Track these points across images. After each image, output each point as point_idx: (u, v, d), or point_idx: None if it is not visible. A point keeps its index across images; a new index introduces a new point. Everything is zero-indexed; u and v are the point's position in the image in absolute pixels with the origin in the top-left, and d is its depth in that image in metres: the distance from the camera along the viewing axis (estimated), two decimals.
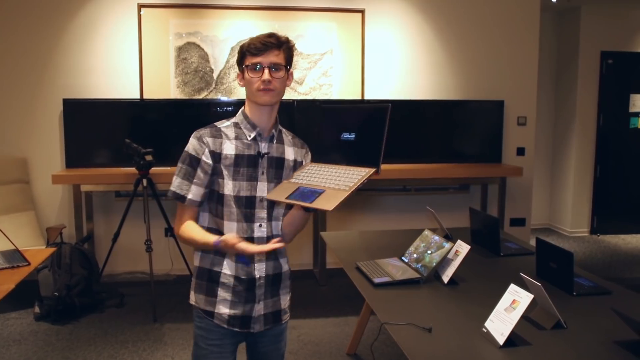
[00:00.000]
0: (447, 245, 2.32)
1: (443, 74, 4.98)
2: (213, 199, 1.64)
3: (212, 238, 1.56)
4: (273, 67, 1.58)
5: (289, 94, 4.68)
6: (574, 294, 2.15)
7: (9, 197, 4.30)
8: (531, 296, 1.72)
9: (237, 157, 1.62)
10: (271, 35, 1.59)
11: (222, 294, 1.66)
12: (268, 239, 1.66)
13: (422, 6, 4.89)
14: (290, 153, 1.72)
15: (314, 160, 1.75)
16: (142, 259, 4.53)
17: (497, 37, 5.04)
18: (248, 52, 1.58)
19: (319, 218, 4.48)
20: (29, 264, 2.45)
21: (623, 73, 6.10)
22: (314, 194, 1.55)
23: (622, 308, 1.80)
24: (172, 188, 1.64)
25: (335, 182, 1.57)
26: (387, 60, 4.88)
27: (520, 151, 5.18)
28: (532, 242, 4.15)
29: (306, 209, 1.63)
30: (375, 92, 4.86)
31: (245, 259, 1.65)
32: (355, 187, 1.51)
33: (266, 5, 4.63)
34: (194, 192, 1.62)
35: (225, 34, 4.60)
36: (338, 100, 4.77)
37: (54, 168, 4.47)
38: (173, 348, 3.30)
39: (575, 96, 6.07)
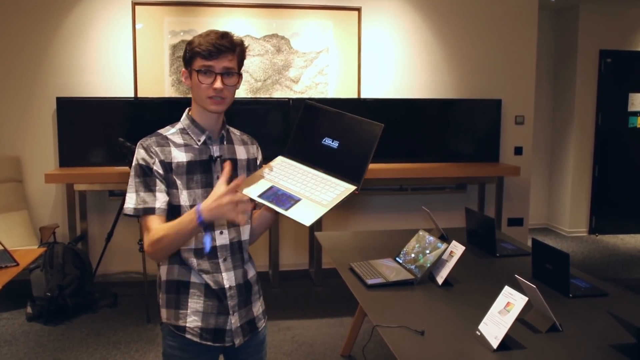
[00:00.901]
0: (442, 246, 2.29)
1: (440, 73, 4.95)
2: (168, 212, 1.50)
3: (192, 210, 1.39)
4: (226, 73, 1.47)
5: (285, 93, 4.64)
6: (570, 295, 2.12)
7: (2, 196, 4.26)
8: (525, 299, 1.69)
9: (190, 164, 1.51)
10: (224, 35, 1.47)
11: (193, 305, 1.55)
12: (232, 245, 1.58)
13: (419, 4, 4.86)
14: (241, 152, 1.63)
15: (288, 153, 1.67)
16: (135, 258, 4.49)
17: (494, 36, 5.00)
18: (199, 54, 1.45)
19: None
20: (18, 264, 2.41)
21: (622, 72, 6.07)
22: (290, 200, 1.50)
23: (619, 310, 1.77)
24: (135, 205, 1.46)
25: (312, 191, 1.52)
26: (383, 58, 4.84)
27: (518, 150, 5.15)
28: (530, 243, 4.11)
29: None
30: (372, 90, 4.83)
31: (208, 243, 1.52)
32: (333, 205, 1.47)
33: (261, 3, 4.59)
34: (161, 200, 1.48)
35: None
36: (330, 100, 4.73)
37: (47, 167, 4.43)
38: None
39: (574, 95, 6.03)
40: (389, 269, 2.35)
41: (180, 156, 1.52)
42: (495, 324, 1.70)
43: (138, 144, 1.52)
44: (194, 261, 1.54)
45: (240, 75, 1.54)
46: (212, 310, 1.56)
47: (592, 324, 1.86)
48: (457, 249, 2.28)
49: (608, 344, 1.70)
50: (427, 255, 2.32)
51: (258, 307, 1.69)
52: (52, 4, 4.38)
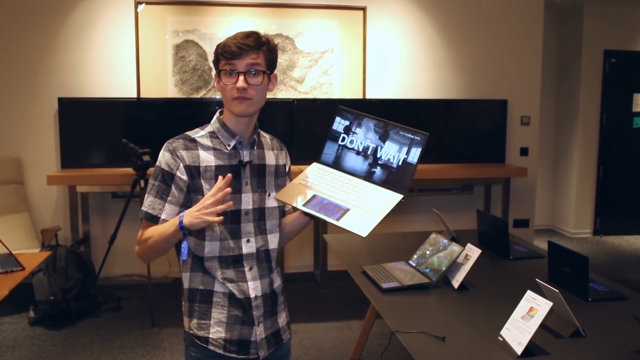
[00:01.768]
0: (457, 249, 2.24)
1: (445, 73, 4.91)
2: None
3: (175, 218, 1.37)
4: (250, 72, 1.41)
5: (289, 93, 4.60)
6: (589, 299, 2.07)
7: (3, 198, 4.20)
8: (550, 304, 1.65)
9: (219, 168, 1.46)
10: (250, 34, 1.42)
11: (217, 315, 1.49)
12: (259, 254, 1.52)
13: (425, 4, 4.82)
14: (271, 157, 1.57)
15: (323, 160, 1.63)
16: (138, 261, 4.40)
17: (500, 36, 4.97)
18: (222, 55, 1.41)
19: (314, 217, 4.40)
20: (24, 268, 2.36)
21: (626, 72, 6.04)
22: (338, 209, 1.46)
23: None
24: (144, 208, 1.45)
25: (359, 200, 1.48)
26: (388, 58, 4.80)
27: (524, 151, 5.11)
28: (536, 243, 4.05)
29: (313, 217, 1.54)
30: (377, 91, 4.79)
31: (185, 250, 1.47)
32: (385, 214, 1.43)
33: (266, 3, 4.54)
34: (168, 212, 1.43)
35: (224, 32, 4.51)
36: (334, 100, 4.69)
37: (48, 168, 4.37)
38: (172, 354, 3.21)
39: (578, 96, 6.00)
40: (403, 273, 2.30)
41: (208, 160, 1.46)
42: (519, 330, 1.65)
43: (165, 145, 1.47)
44: (217, 270, 1.48)
45: (269, 75, 1.48)
46: (237, 321, 1.50)
47: (615, 328, 1.82)
48: (473, 252, 2.23)
49: (633, 349, 1.65)
50: (442, 258, 2.28)
51: (283, 318, 1.63)
52: (54, 3, 4.33)
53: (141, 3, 4.39)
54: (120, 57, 4.43)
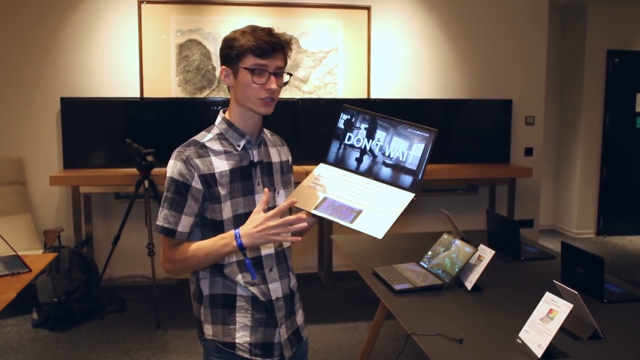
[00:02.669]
0: (470, 250, 2.22)
1: (450, 73, 4.89)
2: (206, 226, 1.43)
3: (228, 234, 1.35)
4: (277, 74, 1.39)
5: (294, 93, 4.57)
6: (605, 301, 2.05)
7: (5, 199, 4.16)
8: (570, 305, 1.62)
9: (232, 172, 1.42)
10: (271, 33, 1.39)
11: (241, 319, 1.46)
12: (277, 255, 1.50)
13: (429, 3, 4.80)
14: (275, 154, 1.55)
15: (329, 160, 1.60)
16: (141, 262, 4.40)
17: (505, 36, 4.95)
18: (252, 51, 1.36)
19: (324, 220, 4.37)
20: (30, 270, 2.32)
21: (629, 72, 6.03)
22: (350, 211, 1.44)
23: None
24: (158, 222, 1.41)
25: (370, 201, 1.46)
26: (393, 58, 4.78)
27: (528, 151, 5.09)
28: (542, 243, 4.01)
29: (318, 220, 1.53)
30: (381, 91, 4.76)
31: (251, 268, 1.45)
32: (399, 214, 1.41)
33: (270, 2, 4.52)
34: (184, 223, 1.40)
35: (228, 31, 4.41)
36: (339, 100, 4.66)
37: (51, 169, 4.34)
38: (178, 356, 3.18)
39: (581, 96, 5.99)
40: (415, 274, 2.28)
41: (221, 165, 1.42)
42: (538, 332, 1.63)
43: (175, 153, 1.42)
44: (238, 275, 1.46)
45: (288, 74, 1.46)
46: (260, 324, 1.48)
47: (633, 330, 1.80)
48: (486, 253, 2.21)
49: None
50: (455, 259, 2.25)
51: (300, 316, 1.62)
52: (56, 2, 4.29)
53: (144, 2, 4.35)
54: (123, 57, 4.39)
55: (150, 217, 3.77)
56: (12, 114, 4.32)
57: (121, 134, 4.19)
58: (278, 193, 1.52)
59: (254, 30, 1.39)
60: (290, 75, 1.47)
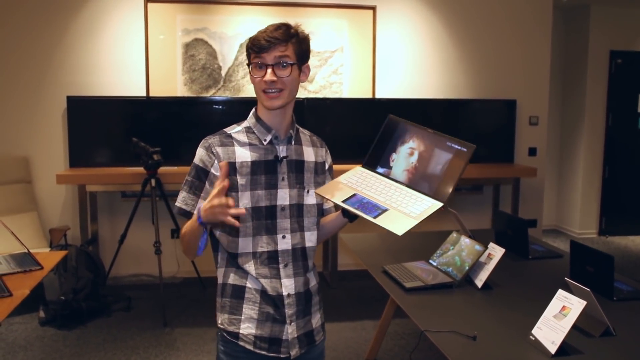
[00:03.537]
0: (480, 248, 2.24)
1: (455, 73, 4.90)
2: None
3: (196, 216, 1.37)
4: (278, 64, 1.41)
5: (299, 93, 4.56)
6: (614, 299, 2.07)
7: (11, 198, 4.17)
8: (584, 302, 1.64)
9: (254, 164, 1.46)
10: (279, 27, 1.42)
11: (248, 311, 1.48)
12: (295, 251, 1.51)
13: (434, 3, 4.81)
14: (310, 154, 1.56)
15: (367, 164, 1.65)
16: (147, 261, 4.42)
17: (509, 36, 4.97)
18: (251, 48, 1.42)
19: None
20: (42, 267, 2.33)
21: (632, 73, 6.05)
22: (376, 208, 1.47)
23: None
24: (177, 203, 1.49)
25: (399, 202, 1.49)
26: (398, 58, 4.80)
27: (532, 151, 5.11)
28: (545, 242, 4.01)
29: (350, 219, 1.56)
30: (387, 90, 4.78)
31: (202, 243, 1.41)
32: (423, 219, 1.44)
33: (276, 1, 4.53)
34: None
35: (234, 30, 4.49)
36: (344, 100, 4.67)
37: (57, 167, 4.34)
38: (186, 354, 3.19)
39: (584, 96, 6.01)
40: (425, 272, 2.29)
41: (244, 155, 1.46)
42: (551, 329, 1.64)
43: (202, 141, 1.49)
44: (251, 266, 1.48)
45: (299, 66, 1.47)
46: (268, 318, 1.49)
47: None
48: (496, 251, 2.23)
49: None
50: (465, 257, 2.27)
51: (317, 319, 1.61)
52: (63, 1, 4.30)
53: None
54: (130, 56, 4.40)
55: (157, 216, 3.78)
56: (18, 112, 4.33)
57: (127, 133, 4.20)
58: (308, 192, 1.53)
59: (265, 29, 1.44)
60: (291, 64, 1.43)
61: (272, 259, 1.48)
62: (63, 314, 3.54)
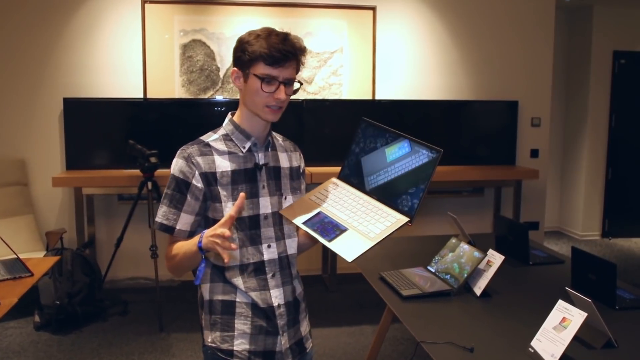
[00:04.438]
0: (479, 255, 2.18)
1: (456, 74, 4.85)
2: (210, 227, 1.36)
3: (197, 237, 1.32)
4: (288, 83, 1.37)
5: (298, 94, 4.52)
6: (617, 308, 2.01)
7: (7, 200, 4.13)
8: (585, 314, 1.59)
9: (235, 173, 1.40)
10: (286, 39, 1.35)
11: (240, 326, 1.43)
12: (281, 260, 1.47)
13: (435, 4, 4.76)
14: (284, 160, 1.52)
15: (343, 175, 1.57)
16: (144, 264, 4.37)
17: (511, 36, 4.91)
18: (263, 59, 1.33)
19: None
20: (32, 274, 2.29)
21: (636, 73, 5.98)
22: (335, 229, 1.40)
23: None
24: (157, 219, 1.41)
25: (361, 220, 1.41)
26: (398, 59, 4.74)
27: (534, 153, 5.05)
28: (548, 247, 3.96)
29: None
30: (387, 92, 4.72)
31: (200, 272, 1.38)
32: (381, 239, 1.36)
33: (275, 2, 4.48)
34: (184, 221, 1.39)
35: (232, 31, 4.44)
36: (344, 101, 4.62)
37: (53, 170, 4.31)
38: None
39: (587, 97, 5.94)
40: (423, 279, 2.24)
41: (224, 165, 1.41)
42: (551, 341, 1.59)
43: (178, 151, 1.41)
44: (239, 280, 1.43)
45: (299, 83, 1.43)
46: (261, 331, 1.44)
47: None
48: (495, 258, 2.18)
49: None
50: (463, 264, 2.21)
51: (305, 326, 1.58)
52: (59, 1, 4.26)
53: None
54: (127, 57, 4.36)
55: (153, 219, 3.74)
56: (14, 114, 4.30)
57: (124, 135, 4.16)
58: (285, 199, 1.49)
59: (268, 34, 1.35)
60: (301, 84, 1.44)
61: (259, 270, 1.44)
62: (58, 319, 3.51)
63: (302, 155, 1.62)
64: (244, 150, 1.44)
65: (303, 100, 4.47)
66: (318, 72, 4.59)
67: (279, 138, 1.57)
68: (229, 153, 1.42)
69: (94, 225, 4.36)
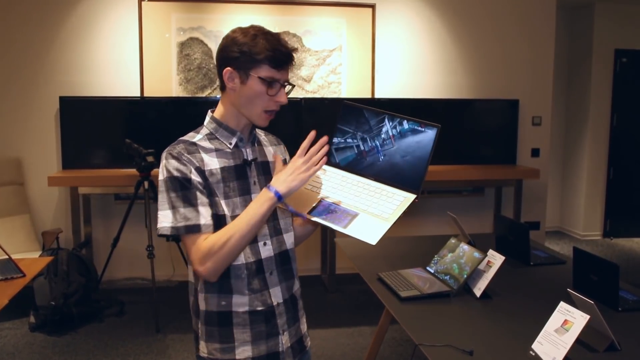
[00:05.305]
0: (479, 255, 2.14)
1: (456, 72, 4.81)
2: (214, 224, 1.33)
3: (260, 194, 1.30)
4: (284, 85, 1.34)
5: (297, 92, 4.50)
6: (619, 309, 1.97)
7: (2, 200, 4.10)
8: (587, 317, 1.54)
9: (224, 170, 1.34)
10: (282, 40, 1.32)
11: (239, 335, 1.37)
12: (277, 257, 1.42)
13: (435, 1, 4.72)
14: (270, 154, 1.48)
15: (329, 160, 1.51)
16: (141, 264, 4.34)
17: (511, 35, 4.87)
18: (269, 61, 1.28)
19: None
20: (24, 275, 2.25)
21: (637, 72, 5.94)
22: (346, 215, 1.35)
23: None
24: (173, 224, 1.28)
25: (369, 203, 1.37)
26: (398, 57, 4.70)
27: (535, 152, 5.01)
28: (549, 247, 3.90)
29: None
30: (386, 90, 4.69)
31: (293, 211, 1.39)
32: (396, 218, 1.32)
33: None
34: (204, 215, 1.29)
35: (230, 29, 4.39)
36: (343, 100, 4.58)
37: (49, 169, 4.27)
38: None
39: (589, 96, 5.90)
40: (422, 280, 2.20)
41: (212, 162, 1.34)
42: (552, 344, 1.55)
43: (165, 153, 1.33)
44: (237, 282, 1.36)
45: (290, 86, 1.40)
46: (262, 336, 1.40)
47: None
48: (496, 259, 2.14)
49: None
50: (463, 265, 2.17)
51: (303, 324, 1.55)
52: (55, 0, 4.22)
53: None
54: (124, 55, 4.32)
55: (150, 219, 3.70)
56: (10, 113, 4.26)
57: (121, 134, 4.13)
58: None
59: (264, 34, 1.31)
60: (293, 85, 1.40)
61: (258, 269, 1.39)
62: (53, 320, 3.47)
63: (286, 149, 1.58)
64: (231, 147, 1.39)
65: (302, 99, 4.43)
66: (317, 71, 4.55)
67: (261, 133, 1.53)
68: (216, 150, 1.37)
69: (91, 225, 4.32)
